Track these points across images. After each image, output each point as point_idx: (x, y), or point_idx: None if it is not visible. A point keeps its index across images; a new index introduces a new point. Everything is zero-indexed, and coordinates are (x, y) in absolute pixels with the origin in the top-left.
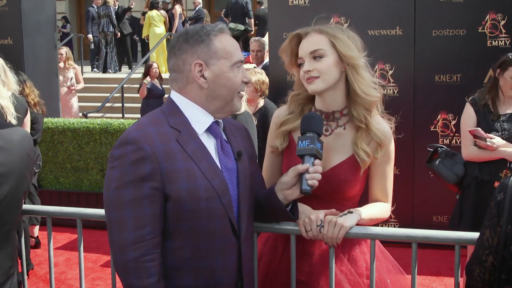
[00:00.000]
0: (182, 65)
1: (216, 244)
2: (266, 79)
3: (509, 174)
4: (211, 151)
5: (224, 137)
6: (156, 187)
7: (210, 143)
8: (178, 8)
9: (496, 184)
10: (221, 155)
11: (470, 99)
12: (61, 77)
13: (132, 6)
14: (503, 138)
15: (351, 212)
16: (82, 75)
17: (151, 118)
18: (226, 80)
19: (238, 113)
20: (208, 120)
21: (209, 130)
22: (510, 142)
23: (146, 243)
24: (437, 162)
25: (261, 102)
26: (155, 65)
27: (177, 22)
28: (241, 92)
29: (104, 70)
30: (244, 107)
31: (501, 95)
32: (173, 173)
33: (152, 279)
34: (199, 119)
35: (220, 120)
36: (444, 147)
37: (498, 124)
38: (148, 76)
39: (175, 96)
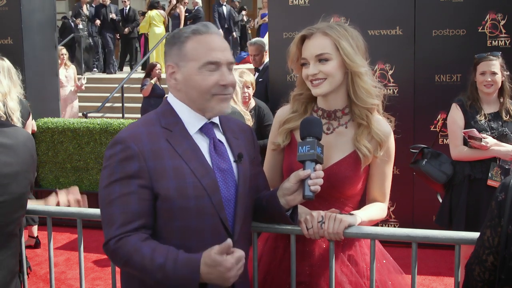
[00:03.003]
0: (166, 68)
1: (206, 243)
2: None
3: (500, 172)
4: (203, 151)
5: (218, 138)
6: (144, 185)
7: (203, 143)
8: (182, 8)
9: (489, 182)
10: (214, 155)
11: (456, 100)
12: (63, 77)
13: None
14: (493, 137)
15: (352, 214)
16: (82, 75)
17: (144, 119)
18: (194, 82)
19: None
20: (201, 120)
21: (202, 130)
22: (499, 141)
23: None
24: (424, 162)
25: (253, 102)
26: (158, 65)
27: (182, 22)
28: (226, 95)
29: (104, 70)
30: (238, 107)
31: (482, 96)
32: (161, 171)
33: (132, 227)
34: (192, 119)
35: (217, 122)
36: (429, 147)
37: (486, 123)
38: (151, 76)
39: (170, 97)
